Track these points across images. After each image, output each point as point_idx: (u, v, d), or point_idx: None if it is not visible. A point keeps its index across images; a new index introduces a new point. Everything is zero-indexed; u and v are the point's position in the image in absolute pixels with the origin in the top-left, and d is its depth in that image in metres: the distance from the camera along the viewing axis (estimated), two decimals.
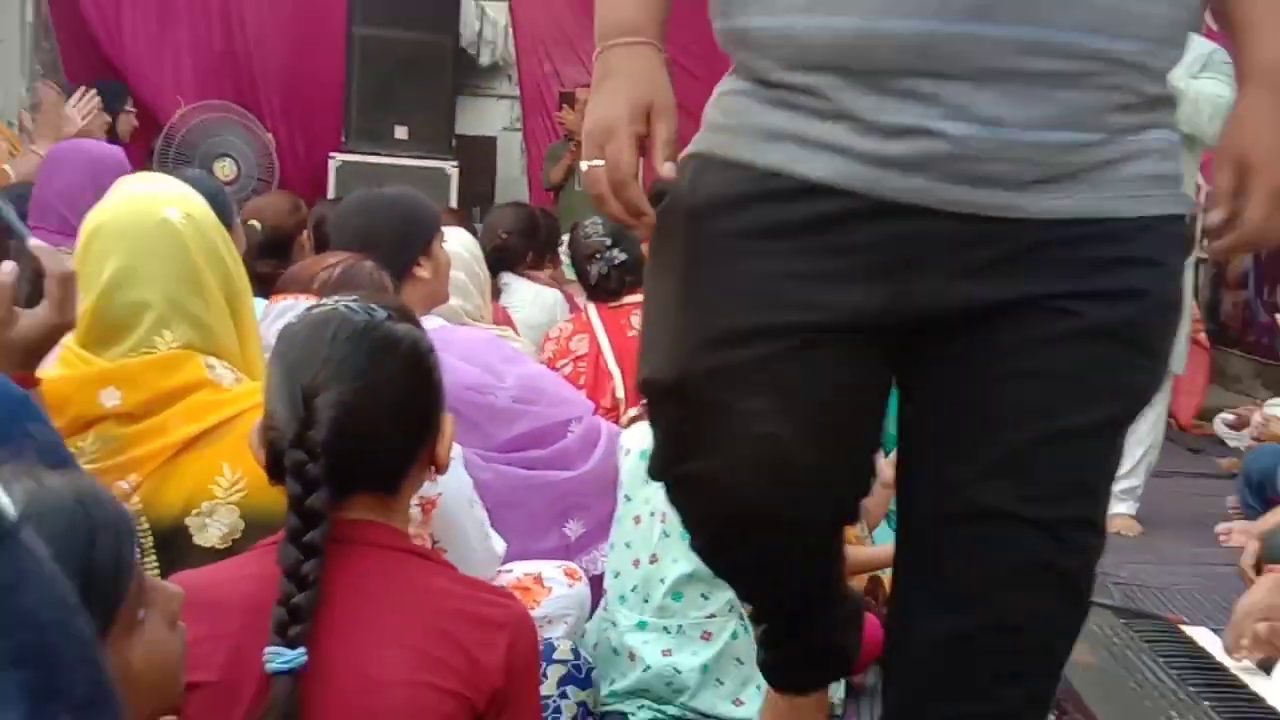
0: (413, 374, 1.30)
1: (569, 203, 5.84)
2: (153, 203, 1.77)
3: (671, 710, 2.45)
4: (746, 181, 1.25)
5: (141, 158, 5.22)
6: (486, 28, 8.00)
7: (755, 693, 2.42)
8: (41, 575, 0.23)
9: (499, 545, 2.10)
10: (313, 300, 2.19)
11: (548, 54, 7.58)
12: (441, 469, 1.37)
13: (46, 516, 0.77)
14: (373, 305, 1.32)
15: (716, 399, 1.23)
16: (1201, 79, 3.42)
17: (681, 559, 2.44)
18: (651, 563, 2.49)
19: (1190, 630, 2.43)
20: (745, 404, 1.22)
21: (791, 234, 1.22)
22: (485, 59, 8.09)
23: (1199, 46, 3.22)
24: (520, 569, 2.27)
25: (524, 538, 2.40)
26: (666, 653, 2.44)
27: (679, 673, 2.43)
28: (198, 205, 1.80)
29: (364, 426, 1.23)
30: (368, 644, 1.18)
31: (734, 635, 2.46)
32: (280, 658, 1.13)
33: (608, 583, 2.57)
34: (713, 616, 2.46)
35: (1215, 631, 2.40)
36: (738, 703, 2.44)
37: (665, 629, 2.46)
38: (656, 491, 2.51)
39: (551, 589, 2.24)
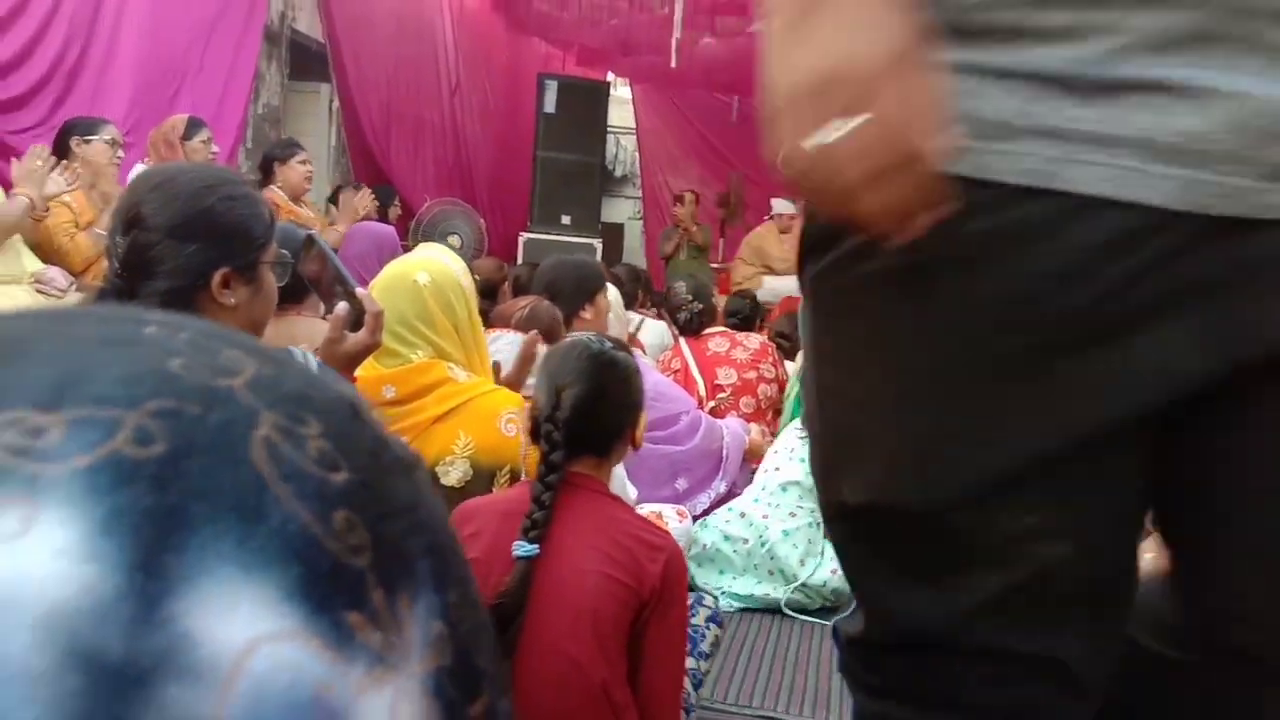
0: (624, 382, 1.30)
1: (674, 269, 5.88)
2: (411, 268, 1.78)
3: (739, 590, 2.43)
4: (1047, 220, 0.57)
5: (403, 234, 5.31)
6: (620, 152, 8.14)
7: (813, 561, 2.45)
8: (430, 495, 0.25)
9: (632, 492, 2.09)
10: (512, 333, 2.22)
11: (659, 169, 7.87)
12: (638, 446, 1.33)
13: None
14: (605, 338, 1.33)
15: (988, 528, 0.63)
16: None
17: (795, 473, 2.55)
18: (776, 470, 2.57)
19: None
20: (1019, 525, 0.62)
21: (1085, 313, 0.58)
22: (619, 172, 8.21)
23: None
24: (646, 509, 2.25)
25: (649, 488, 2.42)
26: (765, 517, 2.50)
27: (768, 529, 2.47)
28: (442, 269, 1.79)
29: (591, 412, 1.24)
30: (576, 547, 1.20)
31: (810, 524, 2.50)
32: (523, 548, 1.16)
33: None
34: (800, 508, 2.51)
35: None
36: (802, 563, 2.44)
37: (769, 504, 2.52)
38: (788, 438, 2.61)
39: (668, 523, 2.23)
